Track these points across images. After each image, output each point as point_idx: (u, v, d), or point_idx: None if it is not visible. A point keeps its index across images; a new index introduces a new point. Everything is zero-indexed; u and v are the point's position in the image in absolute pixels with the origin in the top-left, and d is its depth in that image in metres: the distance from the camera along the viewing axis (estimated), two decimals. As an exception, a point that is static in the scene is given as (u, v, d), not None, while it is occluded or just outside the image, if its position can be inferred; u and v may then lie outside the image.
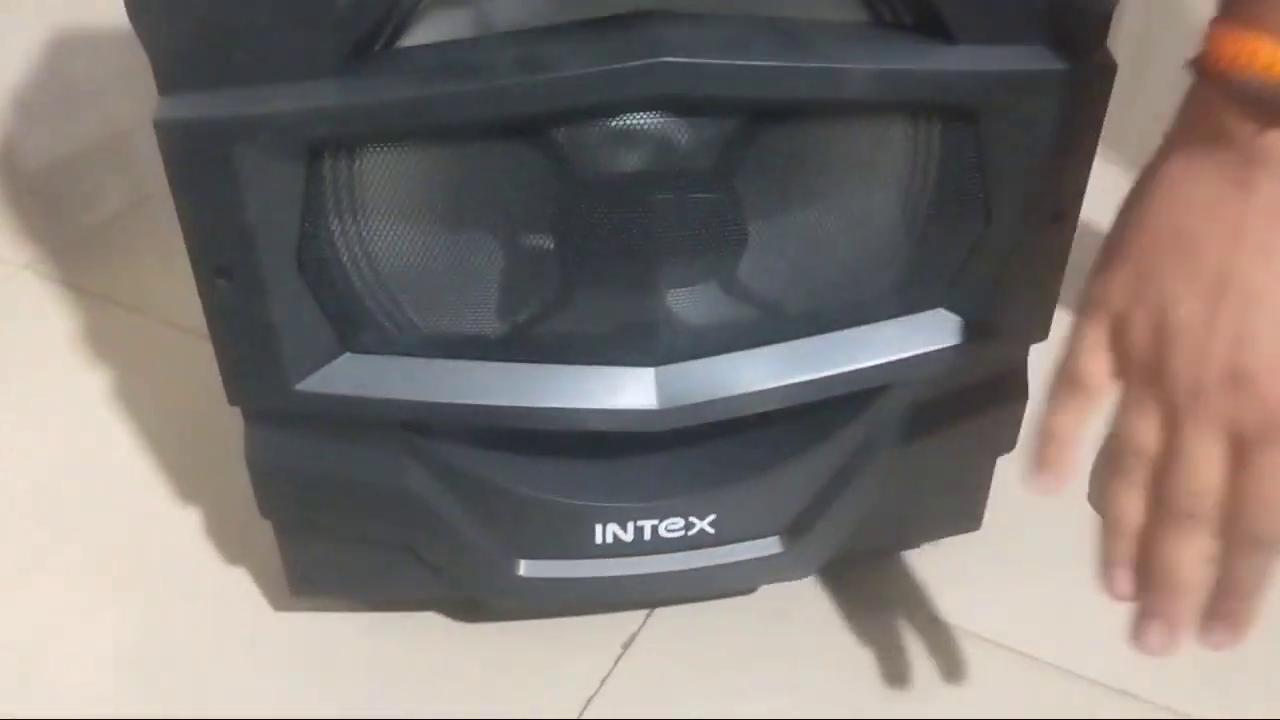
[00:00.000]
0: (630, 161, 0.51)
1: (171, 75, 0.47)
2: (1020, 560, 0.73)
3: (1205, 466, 0.43)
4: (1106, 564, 0.46)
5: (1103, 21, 0.50)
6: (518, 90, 0.46)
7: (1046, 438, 0.47)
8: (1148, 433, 0.44)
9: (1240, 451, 0.42)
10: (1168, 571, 0.44)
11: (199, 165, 0.48)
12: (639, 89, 0.47)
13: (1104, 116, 0.52)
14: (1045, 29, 0.49)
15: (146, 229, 1.02)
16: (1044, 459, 0.47)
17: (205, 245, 0.50)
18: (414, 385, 0.55)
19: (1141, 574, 0.46)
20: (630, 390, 0.56)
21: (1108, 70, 0.51)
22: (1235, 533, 0.43)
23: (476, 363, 0.56)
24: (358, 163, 0.50)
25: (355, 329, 0.54)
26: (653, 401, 0.56)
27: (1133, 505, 0.45)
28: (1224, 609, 0.44)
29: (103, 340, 0.91)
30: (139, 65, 0.47)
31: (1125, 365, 0.45)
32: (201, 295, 0.52)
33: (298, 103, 0.47)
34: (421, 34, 0.49)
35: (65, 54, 1.22)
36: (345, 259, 0.52)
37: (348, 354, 0.55)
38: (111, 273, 0.98)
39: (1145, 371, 0.44)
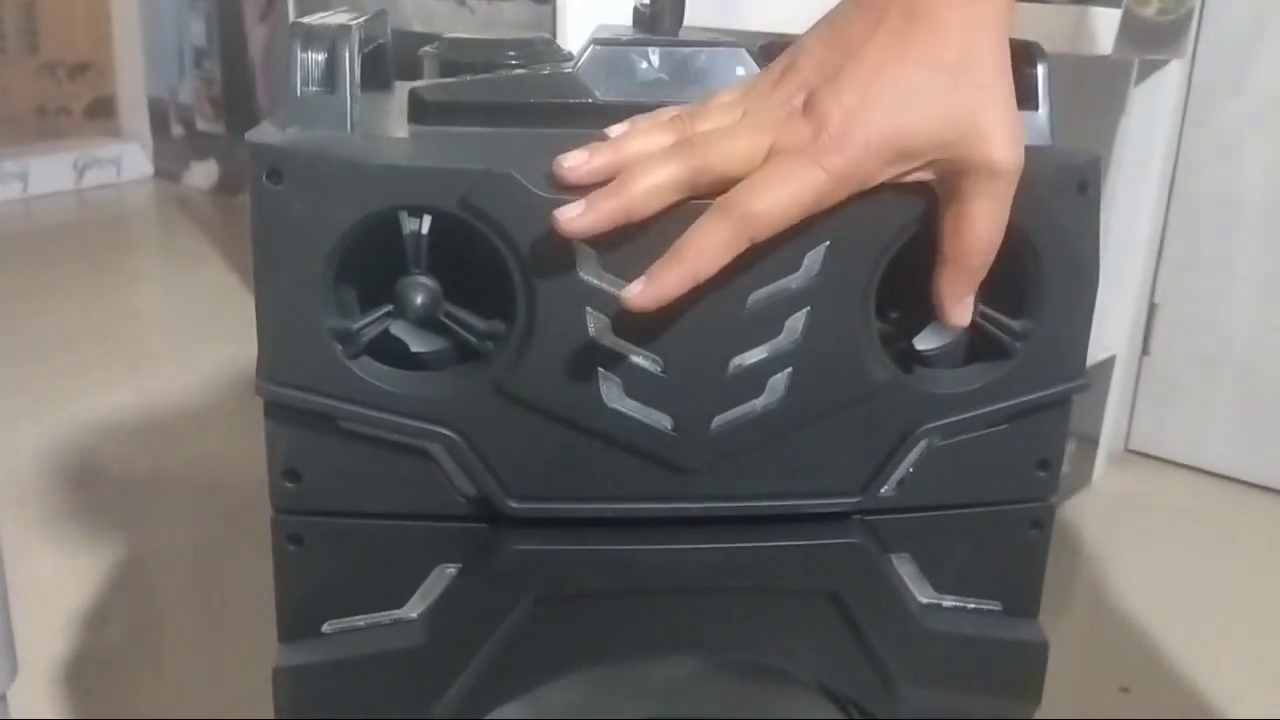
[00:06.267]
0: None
1: (291, 627, 0.57)
2: None
3: (744, 155, 0.50)
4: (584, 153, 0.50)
5: (1035, 593, 0.62)
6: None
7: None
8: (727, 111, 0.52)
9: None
10: (639, 177, 0.49)
11: (308, 703, 0.57)
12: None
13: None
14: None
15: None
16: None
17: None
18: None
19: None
20: None
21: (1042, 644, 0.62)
22: (724, 204, 0.49)
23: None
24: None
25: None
26: None
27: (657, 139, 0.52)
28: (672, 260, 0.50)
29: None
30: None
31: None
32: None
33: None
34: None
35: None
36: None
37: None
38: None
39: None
